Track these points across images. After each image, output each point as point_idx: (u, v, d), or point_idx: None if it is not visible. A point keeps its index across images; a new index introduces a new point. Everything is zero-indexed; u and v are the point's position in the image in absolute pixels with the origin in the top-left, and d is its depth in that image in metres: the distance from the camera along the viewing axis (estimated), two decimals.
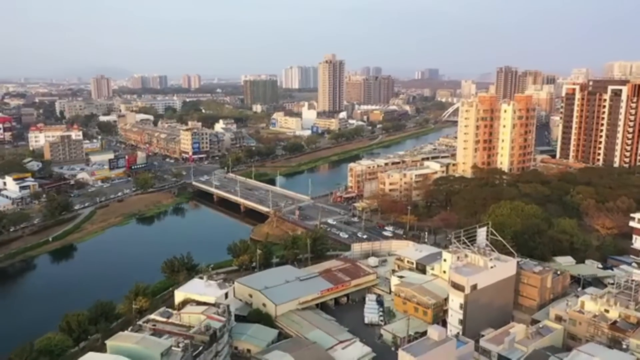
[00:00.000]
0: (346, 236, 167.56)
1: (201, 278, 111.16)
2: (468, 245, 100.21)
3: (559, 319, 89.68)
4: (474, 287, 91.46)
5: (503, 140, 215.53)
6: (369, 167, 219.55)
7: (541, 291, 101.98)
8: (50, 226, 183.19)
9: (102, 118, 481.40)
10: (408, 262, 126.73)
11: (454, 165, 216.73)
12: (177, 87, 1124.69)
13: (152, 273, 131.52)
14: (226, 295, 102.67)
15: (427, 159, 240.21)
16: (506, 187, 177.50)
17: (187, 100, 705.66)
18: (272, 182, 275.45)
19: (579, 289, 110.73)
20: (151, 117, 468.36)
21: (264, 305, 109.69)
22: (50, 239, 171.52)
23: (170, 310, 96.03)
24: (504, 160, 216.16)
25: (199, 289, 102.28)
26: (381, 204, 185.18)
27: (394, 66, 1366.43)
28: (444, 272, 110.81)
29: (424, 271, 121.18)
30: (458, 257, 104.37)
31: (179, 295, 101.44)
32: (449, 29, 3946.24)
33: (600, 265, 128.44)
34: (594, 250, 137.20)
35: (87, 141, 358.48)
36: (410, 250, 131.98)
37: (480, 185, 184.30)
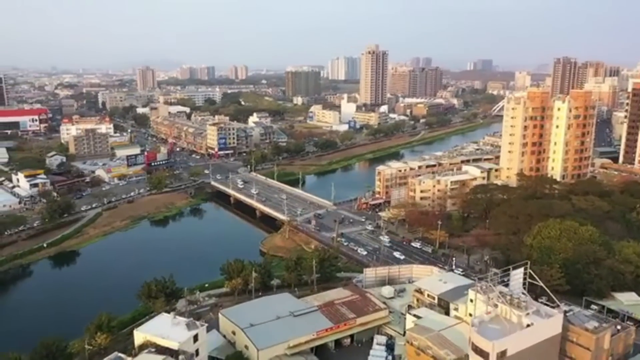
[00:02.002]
0: (365, 253, 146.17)
1: (169, 312, 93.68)
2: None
3: None
4: (503, 353, 68.83)
5: (555, 143, 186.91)
6: (400, 171, 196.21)
7: (596, 354, 77.73)
8: (50, 229, 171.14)
9: (139, 110, 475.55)
10: (429, 296, 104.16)
11: (496, 170, 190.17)
12: (223, 78, 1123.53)
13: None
14: (195, 338, 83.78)
15: (468, 161, 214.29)
16: (556, 201, 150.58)
17: (229, 91, 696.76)
18: (299, 182, 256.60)
19: None
20: (187, 109, 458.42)
21: (246, 347, 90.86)
22: (45, 245, 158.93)
23: (123, 356, 78.84)
24: (555, 166, 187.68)
25: (163, 329, 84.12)
26: (408, 215, 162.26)
27: (445, 57, 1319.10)
28: (470, 315, 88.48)
29: (447, 310, 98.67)
30: (489, 299, 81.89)
31: (139, 336, 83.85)
32: (504, 17, 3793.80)
33: None
34: None
35: (118, 134, 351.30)
36: (432, 281, 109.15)
37: (526, 197, 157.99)
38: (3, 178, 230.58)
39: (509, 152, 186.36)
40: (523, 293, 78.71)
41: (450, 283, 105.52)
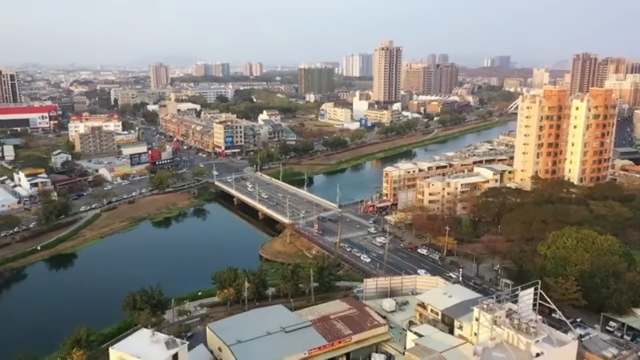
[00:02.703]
0: (368, 260, 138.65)
1: (155, 324, 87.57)
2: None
3: None
4: None
5: (573, 144, 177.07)
6: (408, 172, 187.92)
7: None
8: (46, 231, 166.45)
9: (150, 107, 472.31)
10: (432, 311, 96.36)
11: (510, 173, 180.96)
12: (238, 75, 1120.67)
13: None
14: (175, 357, 77.30)
15: (481, 162, 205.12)
16: (573, 207, 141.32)
17: (242, 89, 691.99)
18: (311, 180, 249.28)
19: None
20: (197, 107, 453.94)
21: None
22: (39, 248, 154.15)
23: None
24: (573, 169, 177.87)
25: (140, 347, 77.57)
26: (415, 219, 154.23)
27: (462, 53, 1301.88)
28: (475, 334, 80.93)
29: (451, 326, 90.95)
30: (495, 319, 74.52)
31: (114, 355, 77.45)
32: (524, 12, 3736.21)
33: None
34: None
35: (125, 132, 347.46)
36: (437, 294, 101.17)
37: (540, 201, 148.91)
38: (5, 177, 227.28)
39: (524, 153, 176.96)
40: (535, 320, 70.56)
41: (456, 297, 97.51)
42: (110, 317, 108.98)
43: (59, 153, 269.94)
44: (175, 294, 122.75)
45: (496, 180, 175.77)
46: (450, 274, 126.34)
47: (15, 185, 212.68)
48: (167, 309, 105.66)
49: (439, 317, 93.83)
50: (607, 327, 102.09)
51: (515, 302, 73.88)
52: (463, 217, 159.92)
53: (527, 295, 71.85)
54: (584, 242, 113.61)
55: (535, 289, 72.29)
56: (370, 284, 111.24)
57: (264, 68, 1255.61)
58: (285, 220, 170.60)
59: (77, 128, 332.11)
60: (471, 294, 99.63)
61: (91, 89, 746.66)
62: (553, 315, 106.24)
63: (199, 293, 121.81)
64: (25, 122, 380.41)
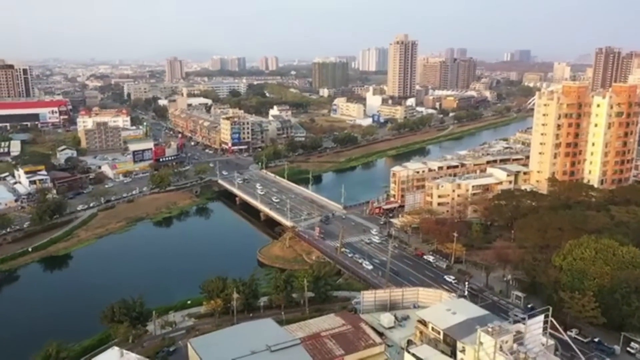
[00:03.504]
0: (370, 267, 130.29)
1: (135, 338, 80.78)
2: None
3: None
4: None
5: (593, 144, 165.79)
6: (417, 172, 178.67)
7: None
8: (40, 232, 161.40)
9: (161, 102, 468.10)
10: (434, 329, 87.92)
11: (525, 174, 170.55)
12: (254, 69, 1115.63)
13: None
14: None
15: (495, 162, 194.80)
16: (592, 212, 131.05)
17: (255, 83, 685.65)
18: (317, 179, 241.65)
19: None
20: (209, 102, 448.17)
21: None
22: (30, 249, 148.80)
23: None
24: (593, 170, 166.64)
25: None
26: (423, 223, 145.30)
27: (481, 47, 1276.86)
28: None
29: (454, 347, 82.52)
30: (501, 347, 66.29)
31: None
32: (548, 4, 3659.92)
33: None
34: None
35: (134, 127, 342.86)
36: (439, 310, 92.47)
37: (557, 206, 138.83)
38: (7, 173, 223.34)
39: (540, 153, 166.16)
40: (545, 351, 61.89)
41: (461, 314, 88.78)
42: (93, 327, 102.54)
43: (64, 149, 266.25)
44: (164, 302, 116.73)
45: (510, 182, 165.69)
46: (460, 284, 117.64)
47: (15, 183, 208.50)
48: (150, 321, 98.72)
49: (441, 336, 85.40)
50: (629, 349, 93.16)
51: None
52: (474, 221, 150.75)
53: (536, 324, 63.00)
54: (604, 254, 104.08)
55: (546, 315, 63.41)
56: (368, 297, 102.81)
57: (281, 62, 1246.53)
58: (286, 222, 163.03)
59: (85, 123, 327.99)
60: (477, 311, 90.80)
61: (106, 83, 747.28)
62: (568, 334, 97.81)
63: (189, 302, 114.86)
64: (35, 117, 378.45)
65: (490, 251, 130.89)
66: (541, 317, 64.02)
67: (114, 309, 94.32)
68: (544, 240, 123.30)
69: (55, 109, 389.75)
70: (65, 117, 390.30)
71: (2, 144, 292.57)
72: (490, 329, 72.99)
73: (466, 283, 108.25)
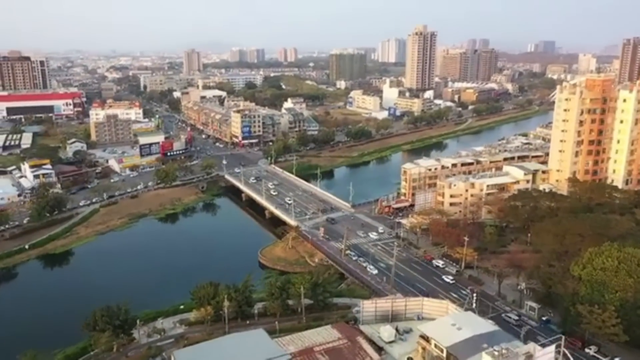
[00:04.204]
0: (375, 272, 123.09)
1: (116, 349, 75.29)
2: None
3: None
4: None
5: (619, 142, 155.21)
6: (430, 170, 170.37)
7: None
8: (39, 228, 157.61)
9: (175, 94, 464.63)
10: (437, 346, 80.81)
11: (544, 173, 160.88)
12: (273, 61, 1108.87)
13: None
14: None
15: (512, 159, 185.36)
16: (615, 217, 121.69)
17: (272, 75, 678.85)
18: (328, 175, 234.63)
19: None
20: (223, 94, 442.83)
21: None
22: (27, 247, 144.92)
23: None
24: (617, 170, 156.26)
25: None
26: (433, 224, 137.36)
27: (505, 38, 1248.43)
28: None
29: None
30: None
31: None
32: None
33: None
34: None
35: (146, 120, 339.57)
36: (444, 325, 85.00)
37: (577, 208, 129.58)
38: (14, 167, 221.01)
39: (560, 151, 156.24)
40: None
41: (466, 329, 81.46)
42: (76, 336, 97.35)
43: (74, 142, 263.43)
44: (157, 305, 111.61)
45: (528, 181, 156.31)
46: (469, 291, 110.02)
47: (21, 177, 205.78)
48: (130, 330, 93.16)
49: (444, 354, 78.53)
50: None
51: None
52: (487, 223, 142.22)
53: (546, 355, 55.33)
54: (628, 264, 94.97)
55: (558, 345, 55.68)
56: (369, 307, 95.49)
57: (300, 53, 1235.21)
58: (291, 221, 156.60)
59: (97, 115, 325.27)
60: (485, 326, 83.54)
61: (124, 75, 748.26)
62: (587, 350, 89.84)
63: (181, 306, 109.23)
64: (50, 109, 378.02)
65: (504, 255, 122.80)
66: (552, 348, 56.36)
67: (96, 317, 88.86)
68: (562, 247, 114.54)
69: (70, 101, 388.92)
70: (79, 109, 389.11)
71: (14, 136, 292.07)
72: (496, 352, 65.89)
73: (474, 294, 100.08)
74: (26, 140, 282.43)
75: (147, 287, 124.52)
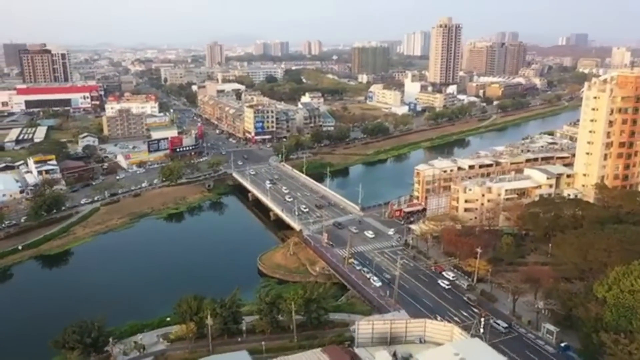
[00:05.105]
0: (379, 284, 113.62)
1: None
2: None
3: None
4: None
5: None
6: (445, 171, 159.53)
7: None
8: (36, 227, 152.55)
9: (194, 88, 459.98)
10: None
11: (568, 177, 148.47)
12: (296, 54, 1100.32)
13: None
14: None
15: (536, 160, 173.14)
16: None
17: (294, 68, 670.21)
18: (342, 173, 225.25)
19: None
20: (241, 88, 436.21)
21: None
22: (20, 247, 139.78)
23: None
24: None
25: None
26: (445, 232, 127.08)
27: (535, 31, 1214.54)
28: None
29: None
30: None
31: None
32: None
33: None
34: None
35: (162, 114, 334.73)
36: (444, 354, 75.71)
37: (604, 219, 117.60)
38: (22, 161, 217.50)
39: (587, 154, 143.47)
40: None
41: (472, 357, 72.03)
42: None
43: (85, 136, 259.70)
44: (144, 316, 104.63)
45: (551, 186, 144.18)
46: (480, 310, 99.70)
47: (27, 172, 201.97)
48: (104, 349, 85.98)
49: None
50: None
51: None
52: (505, 231, 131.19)
53: None
54: None
55: None
56: (365, 328, 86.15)
57: (325, 46, 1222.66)
58: (294, 224, 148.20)
59: (113, 109, 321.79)
60: (492, 357, 73.71)
61: (147, 68, 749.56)
62: None
63: (167, 318, 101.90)
64: (68, 102, 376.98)
65: (520, 269, 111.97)
66: None
67: (65, 334, 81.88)
68: (585, 263, 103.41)
69: (87, 94, 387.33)
70: (97, 102, 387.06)
71: (29, 130, 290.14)
72: None
73: (482, 319, 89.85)
74: (40, 134, 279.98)
75: (137, 294, 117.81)
